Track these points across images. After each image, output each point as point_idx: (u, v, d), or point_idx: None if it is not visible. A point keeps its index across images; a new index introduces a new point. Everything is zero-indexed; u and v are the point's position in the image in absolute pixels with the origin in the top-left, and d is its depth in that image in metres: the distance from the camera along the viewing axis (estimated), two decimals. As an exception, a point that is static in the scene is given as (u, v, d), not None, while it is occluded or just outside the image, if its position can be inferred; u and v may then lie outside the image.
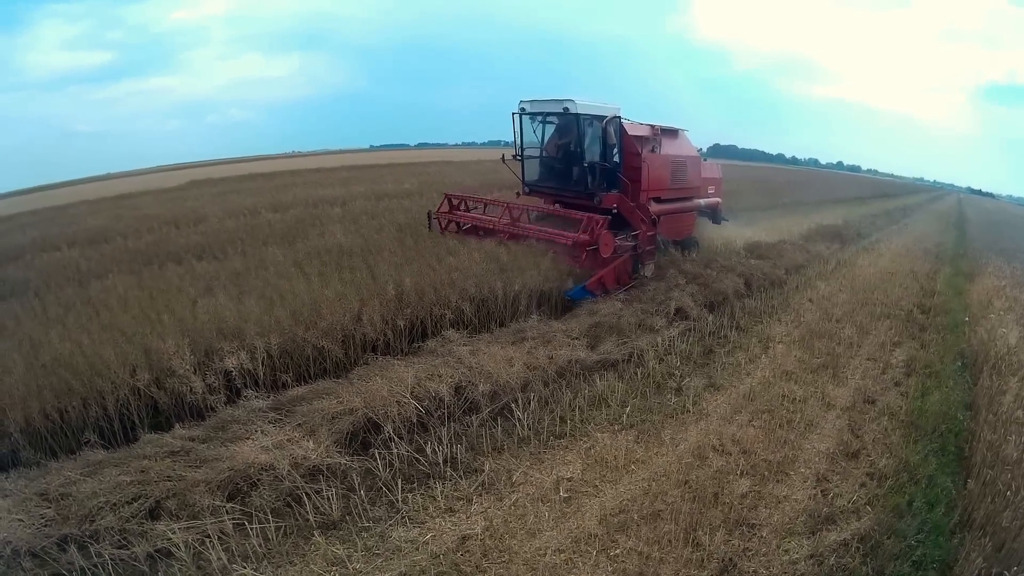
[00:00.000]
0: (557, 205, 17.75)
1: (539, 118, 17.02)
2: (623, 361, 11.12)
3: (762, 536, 6.68)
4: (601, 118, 16.09)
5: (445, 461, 7.89)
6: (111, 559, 6.21)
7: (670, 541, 6.45)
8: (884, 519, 6.96)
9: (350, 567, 6.22)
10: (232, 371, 9.33)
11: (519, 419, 8.86)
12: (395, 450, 7.95)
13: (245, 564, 6.25)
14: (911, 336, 14.03)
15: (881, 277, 20.27)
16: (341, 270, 13.15)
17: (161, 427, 8.66)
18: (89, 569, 6.16)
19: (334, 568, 6.23)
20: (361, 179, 33.11)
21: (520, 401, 9.20)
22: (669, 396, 10.04)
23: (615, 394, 9.86)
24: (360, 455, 7.94)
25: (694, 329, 13.06)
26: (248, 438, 7.75)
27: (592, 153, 16.45)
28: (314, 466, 7.45)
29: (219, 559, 6.23)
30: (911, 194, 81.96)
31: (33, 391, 8.55)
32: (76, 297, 13.32)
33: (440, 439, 8.20)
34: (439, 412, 8.81)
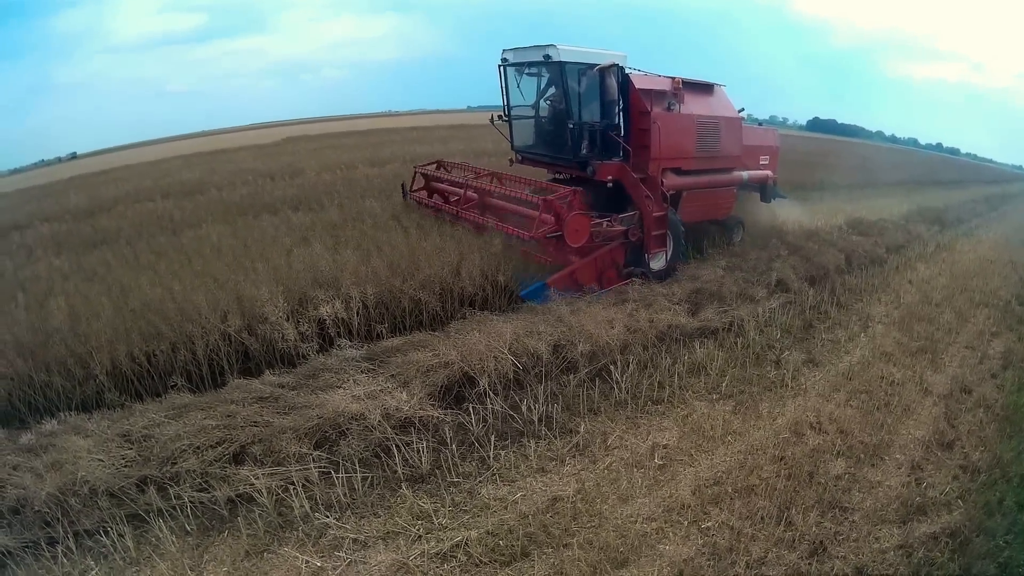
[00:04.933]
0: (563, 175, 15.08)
1: (525, 70, 14.16)
2: (723, 329, 10.89)
3: (854, 521, 6.44)
4: (592, 67, 12.96)
5: (540, 420, 7.78)
6: (190, 501, 6.29)
7: (763, 518, 6.25)
8: (974, 515, 6.67)
9: (435, 521, 6.16)
10: (326, 320, 9.38)
11: (617, 381, 8.68)
12: (490, 406, 7.84)
13: (328, 513, 6.25)
14: (1009, 327, 13.39)
15: (980, 264, 19.44)
16: (440, 223, 13.15)
17: (251, 373, 8.72)
18: (167, 510, 6.24)
19: (419, 522, 6.16)
20: (459, 137, 32.78)
21: (619, 363, 9.01)
22: (768, 368, 9.80)
23: (714, 363, 9.62)
24: (453, 409, 7.87)
25: (794, 302, 12.66)
26: (339, 387, 7.73)
27: (581, 111, 13.30)
28: (406, 418, 7.39)
29: (301, 507, 6.25)
30: (1010, 181, 79.69)
31: (121, 334, 8.71)
32: (168, 245, 13.64)
33: (536, 397, 8.08)
34: (536, 370, 8.69)
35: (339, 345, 8.95)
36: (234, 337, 9.00)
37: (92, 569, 5.74)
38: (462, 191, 14.12)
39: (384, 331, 9.76)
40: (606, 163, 13.35)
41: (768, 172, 17.53)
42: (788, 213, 19.22)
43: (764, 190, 17.74)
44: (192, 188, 23.44)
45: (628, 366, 9.05)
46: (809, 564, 5.78)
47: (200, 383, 8.73)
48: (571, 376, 8.81)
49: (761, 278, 13.29)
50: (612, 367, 8.94)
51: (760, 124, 19.59)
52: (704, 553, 5.80)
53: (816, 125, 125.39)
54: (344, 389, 7.65)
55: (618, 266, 12.76)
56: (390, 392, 7.64)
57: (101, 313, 9.31)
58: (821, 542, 6.04)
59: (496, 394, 8.09)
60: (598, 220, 12.29)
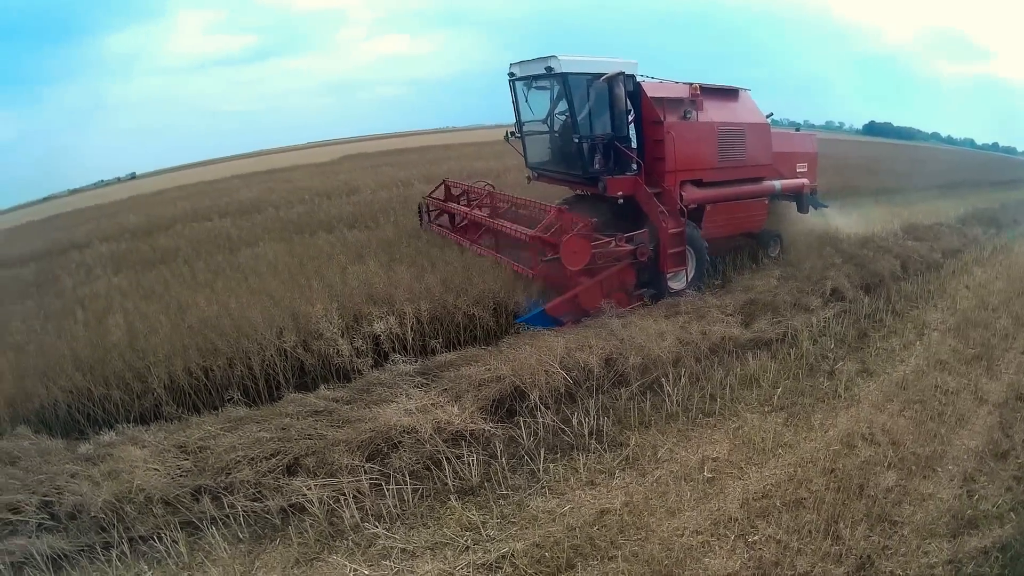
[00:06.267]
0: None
1: (533, 84, 13.49)
2: (776, 340, 10.81)
3: (903, 535, 6.33)
4: (597, 76, 12.22)
5: (590, 433, 7.81)
6: (243, 511, 6.49)
7: (810, 532, 6.20)
8: (1027, 528, 6.55)
9: (483, 533, 6.24)
10: (380, 335, 9.56)
11: (668, 394, 8.67)
12: (540, 419, 7.91)
13: (377, 523, 6.39)
14: (1067, 331, 13.07)
15: (1037, 266, 18.93)
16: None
17: (306, 387, 8.94)
18: (221, 519, 6.48)
19: (467, 533, 6.25)
20: (513, 152, 33.53)
21: (670, 376, 9.00)
22: (821, 379, 9.68)
23: (767, 374, 9.55)
24: (504, 423, 7.95)
25: (849, 311, 12.50)
26: (392, 401, 7.86)
27: (587, 123, 12.62)
28: (457, 431, 7.49)
29: (352, 517, 6.41)
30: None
31: (178, 350, 9.02)
32: (225, 263, 13.98)
33: (587, 411, 8.13)
34: (587, 383, 8.72)
35: (393, 360, 9.10)
36: (290, 353, 9.23)
37: (145, 573, 6.02)
38: (468, 216, 13.88)
39: (438, 346, 9.85)
40: (617, 178, 12.64)
41: (804, 180, 16.30)
42: (843, 220, 18.63)
43: (800, 200, 16.47)
44: (249, 207, 23.89)
45: (680, 379, 9.03)
46: (855, 579, 5.76)
47: (256, 397, 8.98)
48: (622, 389, 8.82)
49: (815, 287, 13.04)
50: (664, 380, 8.92)
51: (798, 130, 18.79)
52: (749, 567, 5.80)
53: (872, 129, 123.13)
54: (397, 403, 7.77)
55: (628, 288, 11.98)
56: (442, 406, 7.74)
57: (159, 329, 9.65)
58: (869, 556, 5.98)
59: (547, 408, 8.15)
60: (604, 240, 11.50)
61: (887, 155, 51.97)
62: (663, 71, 12.91)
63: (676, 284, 12.85)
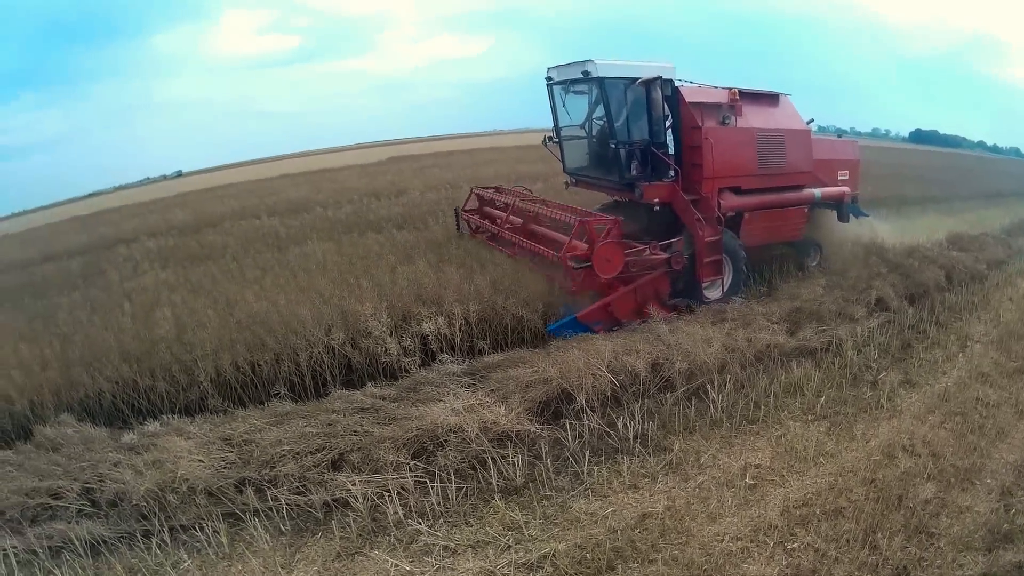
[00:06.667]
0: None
1: (570, 88, 13.17)
2: (821, 349, 10.72)
3: (939, 547, 6.29)
4: (634, 80, 11.94)
5: (635, 437, 7.85)
6: (287, 504, 6.61)
7: (848, 541, 6.20)
8: (1063, 544, 6.50)
9: (526, 533, 6.28)
10: (428, 335, 9.64)
11: (713, 400, 8.70)
12: (586, 422, 7.96)
13: (420, 521, 6.47)
14: (1111, 346, 12.86)
15: (1082, 278, 18.62)
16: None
17: (353, 385, 9.06)
18: (263, 511, 6.59)
19: (510, 533, 6.30)
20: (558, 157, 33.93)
21: (716, 382, 9.00)
22: (864, 389, 9.63)
23: (811, 383, 9.54)
24: (550, 424, 8.01)
25: (893, 321, 12.28)
26: (439, 400, 7.94)
27: (624, 128, 12.37)
28: (503, 432, 7.54)
29: (395, 513, 6.48)
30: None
31: (226, 344, 9.18)
32: (274, 261, 14.16)
33: (632, 414, 8.15)
34: (633, 387, 8.75)
35: (441, 360, 9.18)
36: (337, 350, 9.34)
37: (185, 561, 6.12)
38: (505, 217, 13.63)
39: (486, 347, 9.97)
40: (654, 184, 12.41)
41: (845, 188, 15.61)
42: (888, 229, 18.22)
43: (841, 208, 15.65)
44: (297, 206, 24.03)
45: (725, 385, 9.04)
46: (891, 590, 5.76)
47: (303, 393, 9.10)
48: (668, 394, 8.85)
49: (860, 296, 12.86)
50: (709, 386, 8.93)
51: (840, 136, 18.58)
52: (787, 575, 5.84)
53: (919, 136, 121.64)
54: (444, 402, 7.84)
55: (662, 297, 11.90)
56: (489, 406, 7.80)
57: (207, 324, 9.79)
58: (905, 567, 5.97)
59: (593, 411, 8.18)
60: (638, 248, 11.37)
61: (933, 163, 51.59)
62: (708, 73, 12.84)
63: (712, 293, 12.71)
